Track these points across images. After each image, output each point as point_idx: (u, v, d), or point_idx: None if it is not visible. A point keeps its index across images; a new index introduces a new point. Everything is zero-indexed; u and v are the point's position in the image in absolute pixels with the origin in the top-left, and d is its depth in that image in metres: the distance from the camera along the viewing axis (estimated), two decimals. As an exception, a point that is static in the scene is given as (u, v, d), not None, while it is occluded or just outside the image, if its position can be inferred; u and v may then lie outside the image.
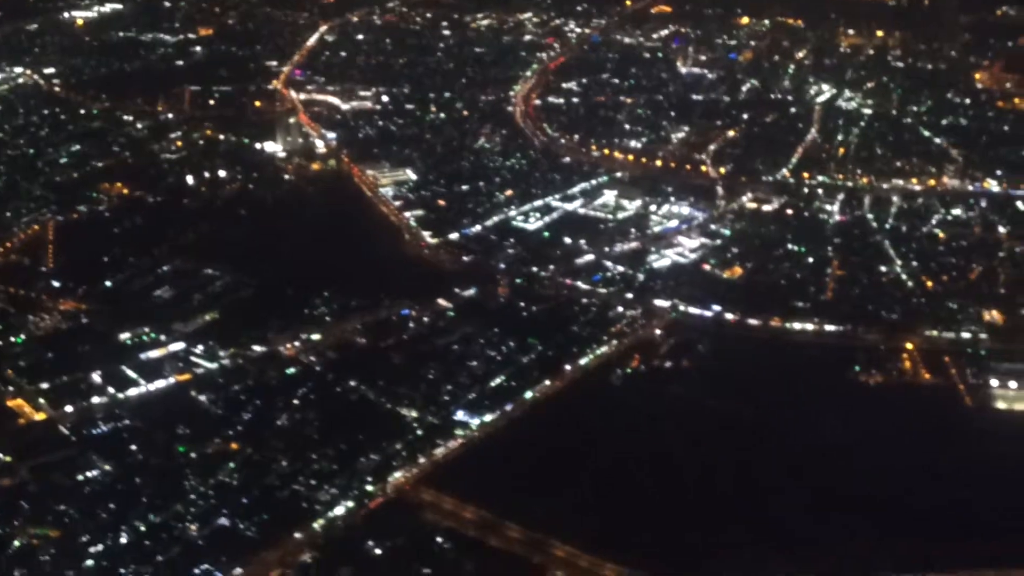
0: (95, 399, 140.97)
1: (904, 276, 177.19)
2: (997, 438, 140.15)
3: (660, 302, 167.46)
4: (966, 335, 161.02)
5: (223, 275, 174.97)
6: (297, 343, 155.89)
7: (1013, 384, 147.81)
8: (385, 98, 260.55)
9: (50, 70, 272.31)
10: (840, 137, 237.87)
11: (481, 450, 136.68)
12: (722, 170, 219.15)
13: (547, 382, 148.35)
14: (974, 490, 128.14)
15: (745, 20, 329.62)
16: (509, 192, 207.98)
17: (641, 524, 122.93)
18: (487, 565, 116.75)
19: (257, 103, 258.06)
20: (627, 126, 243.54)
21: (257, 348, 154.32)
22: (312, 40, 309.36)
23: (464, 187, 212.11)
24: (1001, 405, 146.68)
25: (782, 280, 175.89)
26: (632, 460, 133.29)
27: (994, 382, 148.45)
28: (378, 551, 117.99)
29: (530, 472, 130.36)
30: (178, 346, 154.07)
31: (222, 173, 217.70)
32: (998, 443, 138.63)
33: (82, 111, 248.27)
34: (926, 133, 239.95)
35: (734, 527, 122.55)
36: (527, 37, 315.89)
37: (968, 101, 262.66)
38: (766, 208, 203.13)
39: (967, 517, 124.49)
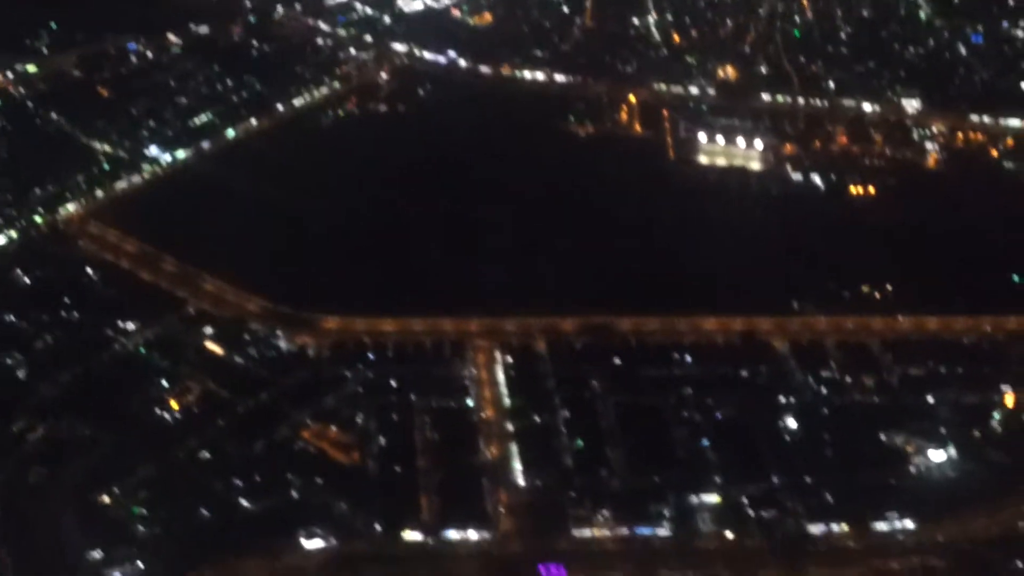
0: None
1: (654, 29, 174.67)
2: (691, 190, 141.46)
3: (397, 46, 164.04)
4: (694, 90, 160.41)
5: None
6: (10, 74, 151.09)
7: (721, 140, 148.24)
8: None
9: None
10: None
11: (164, 186, 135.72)
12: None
13: (254, 122, 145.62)
14: (654, 239, 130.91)
15: None
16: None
17: (307, 264, 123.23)
18: (132, 296, 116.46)
19: None
20: None
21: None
22: None
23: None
24: (703, 160, 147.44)
25: (527, 28, 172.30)
26: (314, 204, 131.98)
27: (702, 137, 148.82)
28: (26, 280, 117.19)
29: (205, 210, 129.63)
30: None
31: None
32: (691, 194, 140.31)
33: None
34: None
35: (410, 271, 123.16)
36: None
37: None
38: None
39: (644, 264, 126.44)
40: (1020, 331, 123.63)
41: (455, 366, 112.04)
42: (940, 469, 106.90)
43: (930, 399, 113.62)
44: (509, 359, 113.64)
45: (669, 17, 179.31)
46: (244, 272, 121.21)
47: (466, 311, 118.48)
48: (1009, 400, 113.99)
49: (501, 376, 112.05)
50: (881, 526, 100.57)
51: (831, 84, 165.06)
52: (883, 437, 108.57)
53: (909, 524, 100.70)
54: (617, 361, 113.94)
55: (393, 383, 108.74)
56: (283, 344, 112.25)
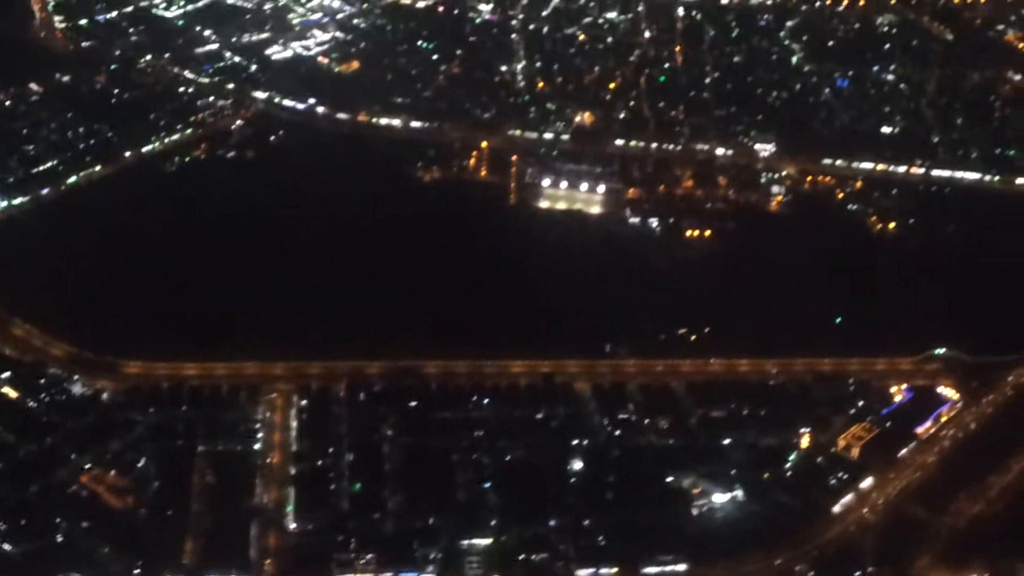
0: None
1: (520, 76, 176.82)
2: (525, 235, 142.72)
3: (258, 94, 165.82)
4: (548, 135, 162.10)
5: None
6: None
7: (564, 184, 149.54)
8: None
9: None
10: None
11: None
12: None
13: (98, 168, 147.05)
14: (483, 283, 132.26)
15: None
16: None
17: (120, 310, 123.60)
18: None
19: None
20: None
21: None
22: None
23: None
24: (544, 204, 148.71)
25: (391, 75, 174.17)
26: (140, 250, 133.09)
27: (546, 182, 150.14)
28: None
29: (27, 257, 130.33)
30: None
31: None
32: (525, 240, 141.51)
33: None
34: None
35: (226, 315, 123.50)
36: None
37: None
38: (419, 4, 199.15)
39: (466, 308, 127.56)
40: (831, 373, 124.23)
41: (248, 410, 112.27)
42: (723, 511, 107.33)
43: (726, 441, 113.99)
44: (304, 403, 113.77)
45: (538, 64, 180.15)
46: (58, 318, 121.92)
47: (276, 355, 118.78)
48: (805, 442, 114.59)
49: (294, 420, 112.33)
50: (651, 569, 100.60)
51: (687, 129, 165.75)
52: (670, 479, 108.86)
53: (681, 567, 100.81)
54: (413, 404, 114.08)
55: (179, 427, 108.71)
56: (77, 388, 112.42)
